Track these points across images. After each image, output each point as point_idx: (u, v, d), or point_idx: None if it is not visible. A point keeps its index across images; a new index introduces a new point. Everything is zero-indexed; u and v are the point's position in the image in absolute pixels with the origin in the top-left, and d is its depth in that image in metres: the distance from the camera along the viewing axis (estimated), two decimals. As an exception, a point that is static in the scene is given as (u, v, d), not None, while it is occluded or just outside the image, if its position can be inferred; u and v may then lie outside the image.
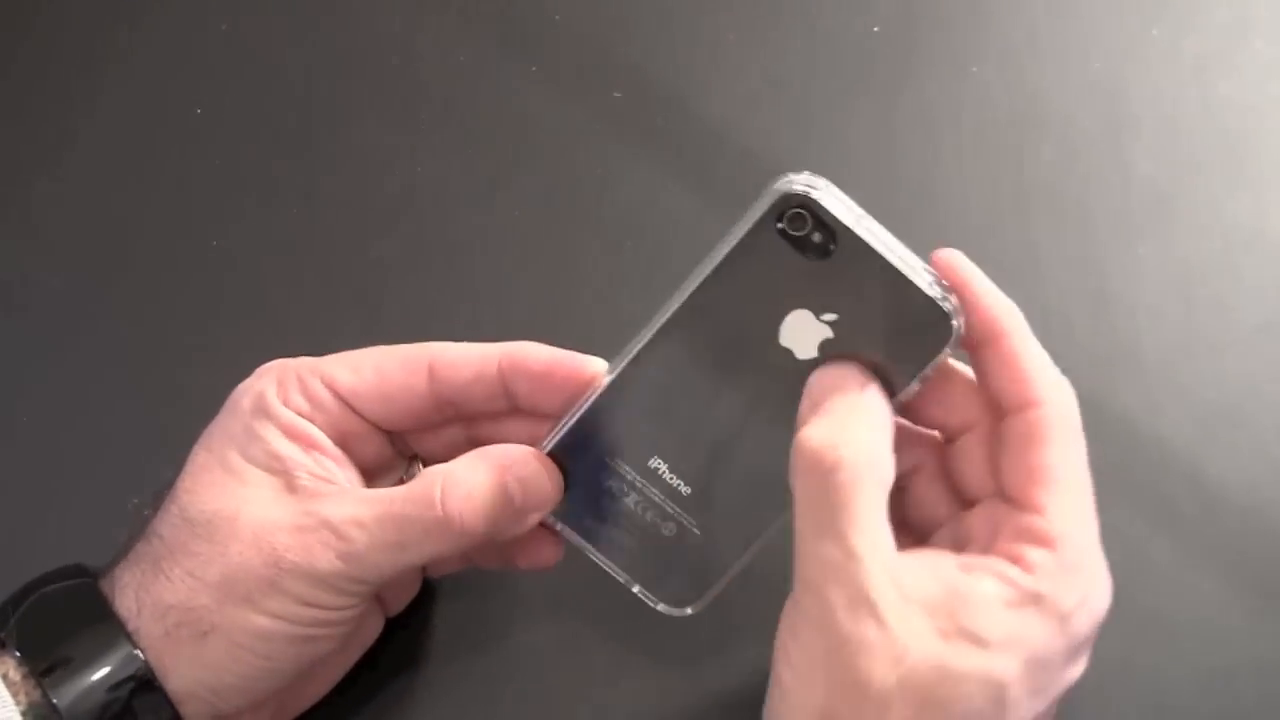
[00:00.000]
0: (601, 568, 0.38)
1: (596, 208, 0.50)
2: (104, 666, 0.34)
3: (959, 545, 0.35)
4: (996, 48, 0.52)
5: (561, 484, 0.37)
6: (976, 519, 0.35)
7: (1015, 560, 0.33)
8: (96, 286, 0.49)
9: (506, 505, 0.36)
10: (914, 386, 0.34)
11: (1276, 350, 0.46)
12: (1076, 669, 0.34)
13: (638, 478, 0.37)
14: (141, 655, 0.34)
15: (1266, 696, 0.41)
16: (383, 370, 0.37)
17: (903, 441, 0.35)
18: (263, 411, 0.36)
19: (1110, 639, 0.41)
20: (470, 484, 0.35)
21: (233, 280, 0.49)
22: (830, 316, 0.34)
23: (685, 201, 0.49)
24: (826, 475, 0.32)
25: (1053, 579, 0.32)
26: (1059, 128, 0.50)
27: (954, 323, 0.33)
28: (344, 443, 0.37)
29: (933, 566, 0.33)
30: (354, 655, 0.40)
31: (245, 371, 0.38)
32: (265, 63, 0.53)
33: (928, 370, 0.34)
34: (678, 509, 0.37)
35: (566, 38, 0.53)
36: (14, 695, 0.33)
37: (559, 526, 0.38)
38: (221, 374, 0.38)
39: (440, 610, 0.43)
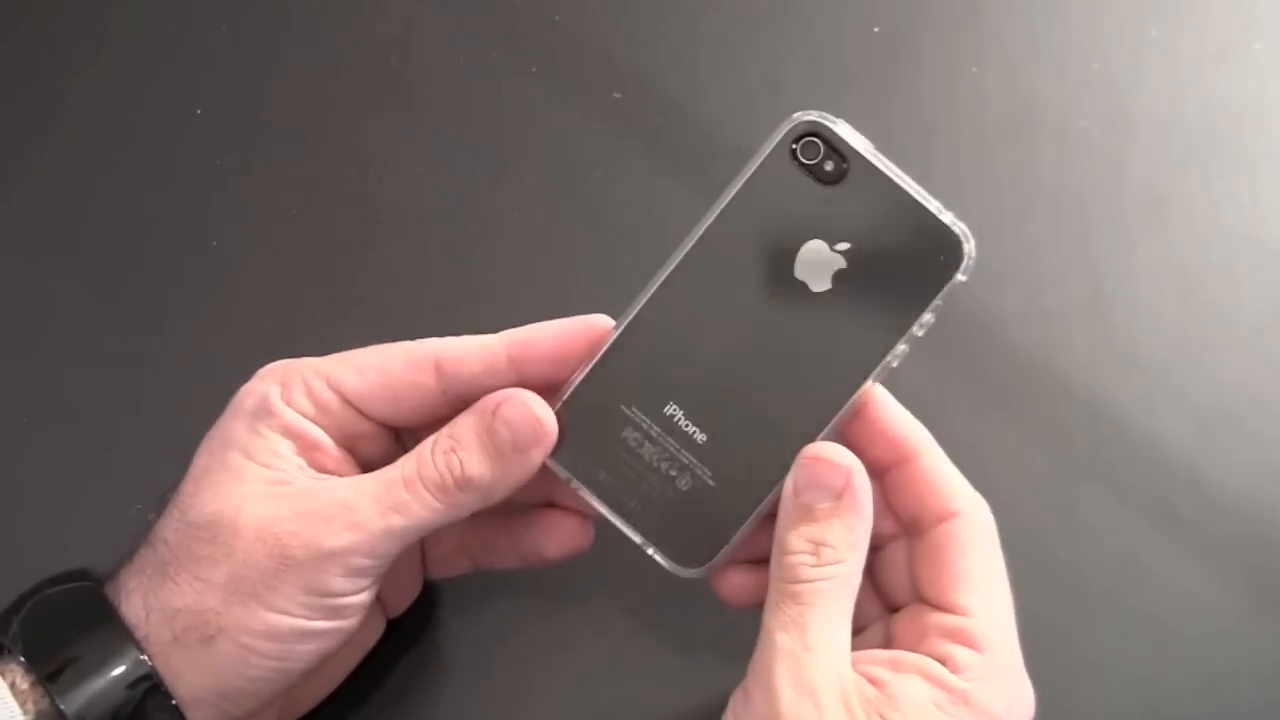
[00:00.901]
0: (619, 530, 0.37)
1: (596, 208, 0.50)
2: (110, 671, 0.33)
3: (885, 647, 0.36)
4: (996, 48, 0.52)
5: (553, 420, 0.36)
6: (901, 623, 0.36)
7: (943, 660, 0.34)
8: (96, 287, 0.49)
9: (496, 447, 0.35)
10: (928, 317, 0.35)
11: (1275, 352, 0.46)
12: None
13: (653, 426, 0.36)
14: (147, 659, 0.34)
15: (1265, 699, 0.41)
16: (388, 370, 0.37)
17: None
18: (266, 412, 0.36)
19: (1109, 642, 0.42)
20: (459, 435, 0.36)
21: (233, 280, 0.49)
22: (843, 246, 0.35)
23: (685, 201, 0.49)
24: (811, 585, 0.34)
25: (981, 680, 0.33)
26: (1058, 128, 0.50)
27: (966, 246, 0.34)
28: (351, 444, 0.37)
29: (867, 666, 0.34)
30: (356, 657, 0.40)
31: (245, 371, 0.38)
32: (264, 63, 0.53)
33: (939, 299, 0.35)
34: (693, 459, 0.36)
35: (566, 38, 0.53)
36: (21, 704, 0.33)
37: (574, 484, 0.37)
38: (221, 373, 0.38)
39: (441, 611, 0.43)
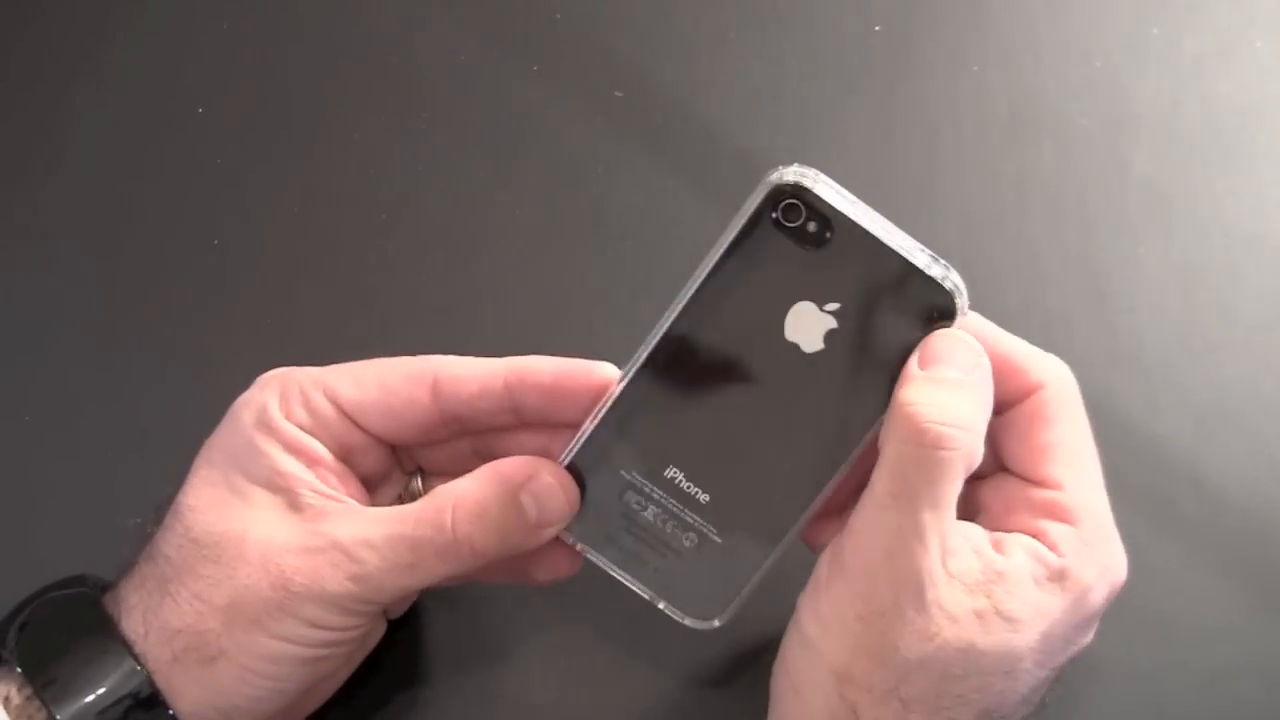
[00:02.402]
0: (624, 584, 0.37)
1: (596, 208, 0.50)
2: (105, 684, 0.33)
3: (969, 515, 0.35)
4: (996, 47, 0.52)
5: (577, 496, 0.36)
6: (987, 492, 0.36)
7: (1038, 536, 0.34)
8: (97, 286, 0.49)
9: (520, 523, 0.35)
10: None
11: (1276, 350, 0.46)
12: (1085, 639, 0.35)
13: (655, 489, 0.36)
14: (143, 670, 0.33)
15: (1267, 697, 0.41)
16: (386, 384, 0.37)
17: None
18: (265, 426, 0.36)
19: (1110, 640, 0.42)
20: (482, 503, 0.35)
21: (235, 279, 0.49)
22: (833, 306, 0.34)
23: (685, 201, 0.49)
24: (930, 450, 0.32)
25: (1077, 555, 0.33)
26: (1059, 128, 0.50)
27: (957, 301, 0.34)
28: (346, 456, 0.37)
29: (973, 544, 0.33)
30: (357, 660, 0.40)
31: (248, 370, 0.38)
32: (265, 63, 0.53)
33: None
34: (697, 518, 0.36)
35: (566, 37, 0.53)
36: (15, 719, 0.33)
37: (579, 546, 0.37)
38: (221, 374, 0.38)
39: (441, 612, 0.43)
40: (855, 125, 0.51)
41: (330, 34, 0.54)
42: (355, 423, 0.37)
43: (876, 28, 0.53)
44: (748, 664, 0.41)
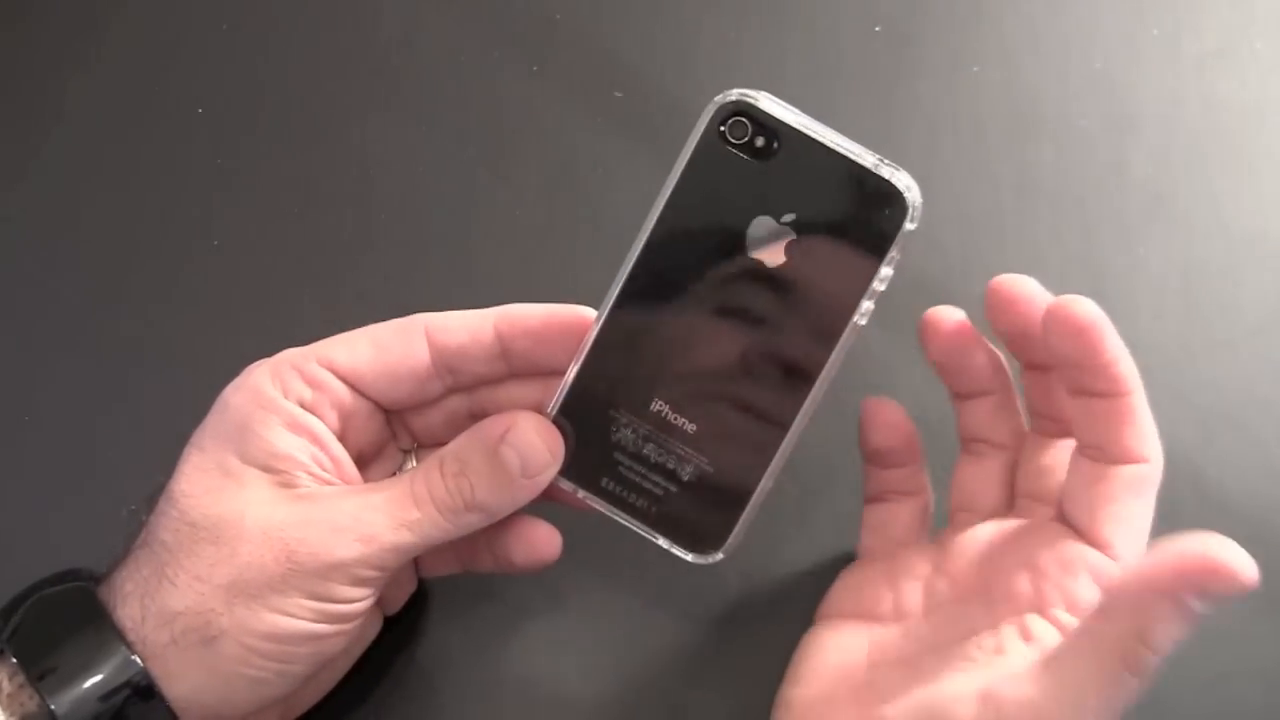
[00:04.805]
0: (627, 528, 0.38)
1: (597, 207, 0.50)
2: (99, 673, 0.33)
3: (1001, 547, 0.36)
4: (996, 47, 0.52)
5: (560, 443, 0.37)
6: (1033, 543, 0.36)
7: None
8: (97, 286, 0.49)
9: (506, 474, 0.36)
10: (886, 271, 0.35)
11: (1276, 350, 0.46)
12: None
13: (643, 424, 0.37)
14: (138, 661, 0.33)
15: (1266, 699, 0.41)
16: (380, 343, 0.37)
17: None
18: (262, 406, 0.36)
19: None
20: (467, 459, 0.36)
21: (234, 280, 0.49)
22: (789, 217, 0.35)
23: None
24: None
25: None
26: (1059, 128, 0.50)
27: (909, 195, 0.34)
28: (345, 426, 0.37)
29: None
30: (355, 654, 0.40)
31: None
32: (265, 63, 0.53)
33: (894, 252, 0.35)
34: (688, 449, 0.37)
35: (566, 38, 0.53)
36: (6, 707, 0.33)
37: (581, 494, 0.38)
38: (223, 373, 0.38)
39: (437, 608, 0.43)
40: (855, 126, 0.50)
41: (330, 34, 0.54)
42: (354, 386, 0.37)
43: (876, 28, 0.53)
44: (746, 659, 0.41)
